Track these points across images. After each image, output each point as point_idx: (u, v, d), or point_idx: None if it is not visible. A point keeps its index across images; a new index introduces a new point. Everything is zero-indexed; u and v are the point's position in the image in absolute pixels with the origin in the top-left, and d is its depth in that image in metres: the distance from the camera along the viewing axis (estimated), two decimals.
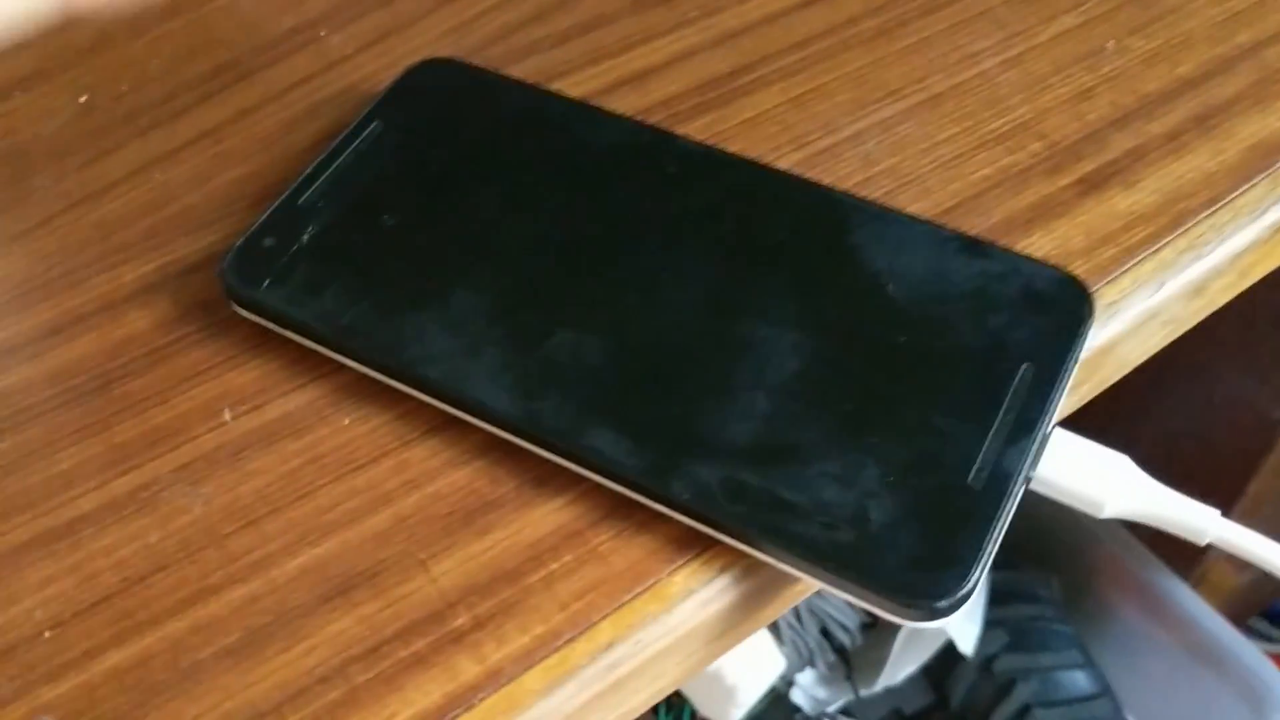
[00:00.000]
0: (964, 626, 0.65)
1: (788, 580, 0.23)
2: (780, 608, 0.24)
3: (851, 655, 0.67)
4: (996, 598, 0.68)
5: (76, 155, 0.31)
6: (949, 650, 0.66)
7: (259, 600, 0.23)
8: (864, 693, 0.66)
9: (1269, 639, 0.79)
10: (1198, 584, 0.68)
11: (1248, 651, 0.66)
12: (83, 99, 0.32)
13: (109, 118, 0.31)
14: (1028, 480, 0.23)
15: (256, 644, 0.22)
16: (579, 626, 0.22)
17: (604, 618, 0.22)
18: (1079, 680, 0.66)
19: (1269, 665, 0.65)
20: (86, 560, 0.24)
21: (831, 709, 0.66)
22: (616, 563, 0.23)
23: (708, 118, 0.30)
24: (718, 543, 0.23)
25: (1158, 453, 0.65)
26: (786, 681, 0.65)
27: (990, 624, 0.67)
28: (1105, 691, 0.66)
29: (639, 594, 0.22)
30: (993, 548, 0.21)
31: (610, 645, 0.22)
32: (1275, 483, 0.59)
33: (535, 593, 0.23)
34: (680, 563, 0.23)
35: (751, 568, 0.23)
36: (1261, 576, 0.69)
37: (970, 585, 0.21)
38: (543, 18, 0.32)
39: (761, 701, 0.64)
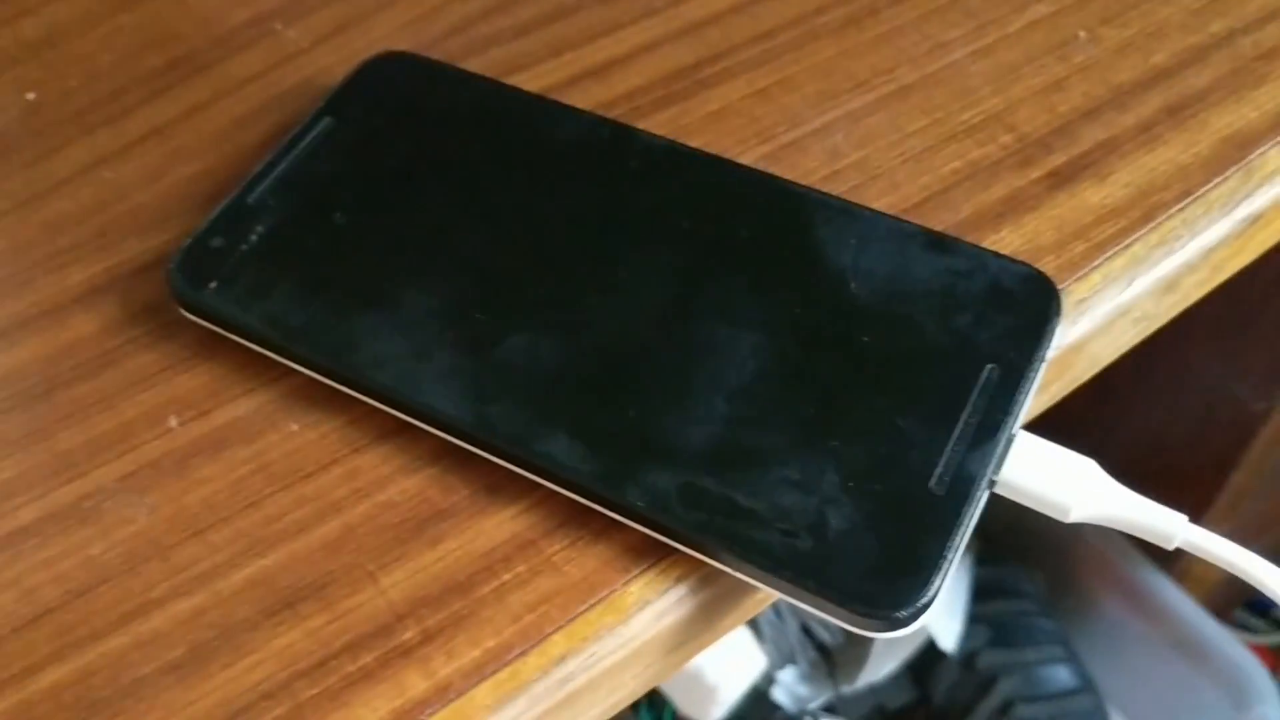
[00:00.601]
0: (945, 623, 0.65)
1: (746, 589, 0.22)
2: (739, 618, 0.23)
3: (833, 652, 0.67)
4: (979, 593, 0.67)
5: (22, 153, 0.30)
6: (931, 646, 0.66)
7: (204, 614, 0.22)
8: (846, 690, 0.66)
9: (1252, 630, 0.78)
10: (1181, 577, 0.67)
11: (1230, 644, 0.66)
12: (30, 95, 0.31)
13: (57, 115, 0.31)
14: (991, 484, 0.22)
15: (201, 659, 0.22)
16: (531, 640, 0.21)
17: (557, 630, 0.21)
18: (1061, 675, 0.65)
19: (1251, 657, 0.65)
20: (26, 573, 0.23)
21: (813, 706, 0.66)
22: (571, 573, 0.22)
23: (671, 110, 0.29)
24: (675, 551, 0.22)
25: (1138, 447, 0.65)
26: (768, 679, 0.65)
27: (972, 619, 0.66)
28: (1088, 686, 0.66)
29: (593, 605, 0.22)
30: (955, 555, 0.21)
31: (563, 659, 0.21)
32: (1256, 475, 0.59)
33: (487, 604, 0.22)
34: (636, 572, 0.22)
35: (709, 577, 0.22)
36: None
37: (930, 594, 0.20)
38: (504, 8, 0.32)
39: (743, 700, 0.64)
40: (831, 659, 0.67)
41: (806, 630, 0.66)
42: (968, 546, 0.68)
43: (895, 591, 0.20)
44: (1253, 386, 0.56)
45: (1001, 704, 0.65)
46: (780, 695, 0.66)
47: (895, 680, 0.67)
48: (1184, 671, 0.67)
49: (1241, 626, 0.78)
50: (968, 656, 0.66)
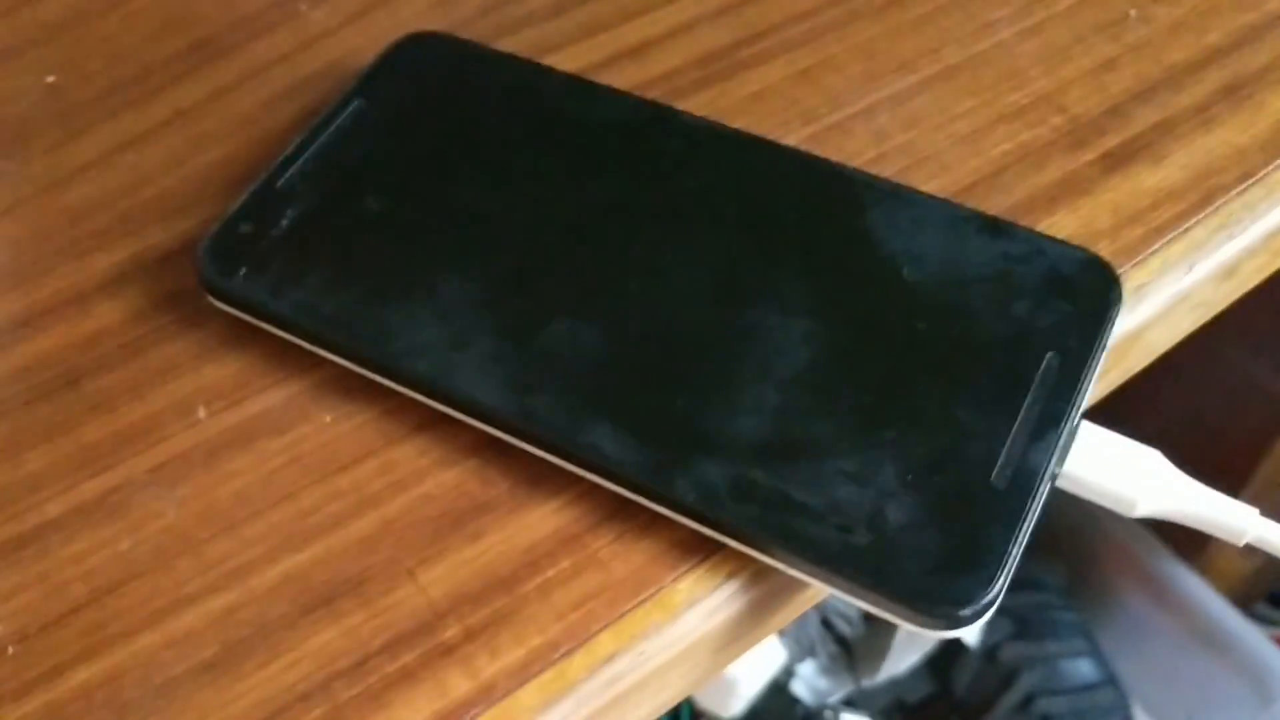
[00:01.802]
0: None
1: (798, 586, 0.22)
2: (790, 614, 0.23)
3: (853, 645, 0.66)
4: None
5: (44, 138, 0.29)
6: (952, 639, 0.65)
7: (237, 611, 0.22)
8: (866, 683, 0.65)
9: (1276, 623, 0.78)
10: (1204, 569, 0.66)
11: (1253, 637, 0.65)
12: (50, 78, 0.30)
13: (78, 98, 0.30)
14: (1054, 478, 0.21)
15: (234, 659, 0.21)
16: (577, 638, 0.21)
17: (604, 628, 0.21)
18: (1083, 668, 0.65)
19: (1275, 650, 0.64)
20: (54, 569, 0.22)
21: (833, 700, 0.65)
22: (617, 569, 0.21)
23: (710, 92, 0.28)
24: (724, 546, 0.21)
25: (1167, 435, 0.64)
26: (788, 672, 0.64)
27: (994, 612, 0.66)
28: (1110, 679, 0.65)
29: (641, 603, 0.21)
30: (1018, 551, 0.20)
31: (611, 658, 0.21)
32: None
33: (531, 602, 0.21)
34: (685, 569, 0.21)
35: (760, 573, 0.21)
36: (1268, 561, 0.68)
37: (995, 592, 0.20)
38: None
39: (762, 693, 0.63)
40: (851, 652, 0.66)
41: (826, 623, 0.65)
42: None
43: (958, 589, 0.20)
44: None
45: (1023, 697, 0.65)
46: (800, 688, 0.65)
47: (916, 673, 0.66)
48: (1207, 665, 0.66)
49: (1265, 619, 0.77)
50: (989, 649, 0.65)
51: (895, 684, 0.66)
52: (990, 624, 0.65)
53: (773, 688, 0.64)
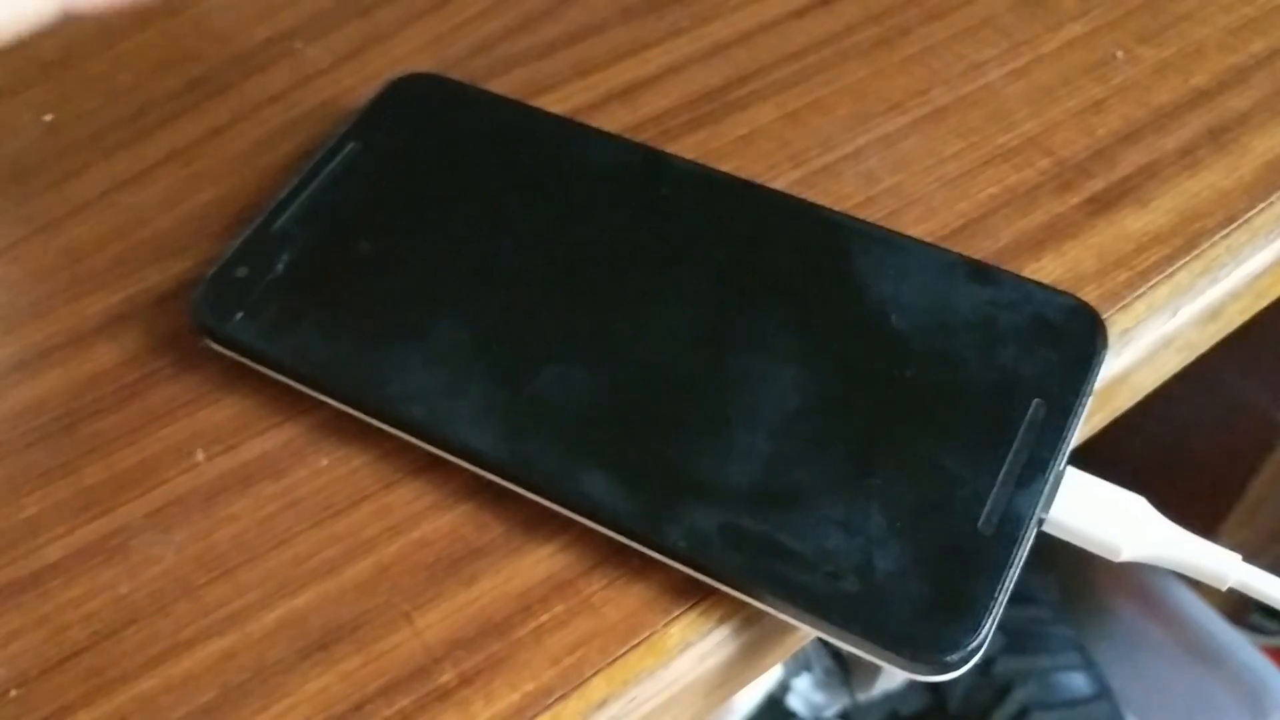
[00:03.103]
0: None
1: (788, 629, 0.22)
2: (780, 655, 0.23)
3: (849, 660, 0.66)
4: None
5: (41, 177, 0.29)
6: None
7: (235, 656, 0.22)
8: (861, 697, 0.65)
9: (1268, 634, 0.78)
10: (1197, 582, 0.67)
11: (1246, 649, 0.65)
12: (48, 117, 0.30)
13: (75, 137, 0.30)
14: (1040, 523, 0.22)
15: (233, 703, 0.21)
16: (571, 683, 0.21)
17: (597, 673, 0.21)
18: (1077, 682, 0.65)
19: (1268, 664, 0.65)
20: (54, 613, 0.23)
21: (828, 714, 0.65)
22: (610, 614, 0.22)
23: (700, 134, 0.28)
24: (716, 591, 0.22)
25: (1158, 454, 0.64)
26: (783, 687, 0.65)
27: None
28: (1104, 693, 0.66)
29: (634, 647, 0.21)
30: (1004, 597, 0.20)
31: (604, 703, 0.21)
32: (1276, 483, 0.58)
33: (525, 646, 0.21)
34: (677, 613, 0.22)
35: (751, 617, 0.22)
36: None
37: (981, 638, 0.20)
38: (528, 28, 0.31)
39: (758, 708, 0.63)
40: (847, 666, 0.66)
41: (822, 638, 0.65)
42: None
43: (945, 635, 0.20)
44: (1272, 394, 0.56)
45: (1018, 711, 0.65)
46: (795, 703, 0.65)
47: (911, 686, 0.67)
48: (1200, 677, 0.67)
49: (1257, 630, 0.78)
50: (983, 663, 0.66)
51: (890, 698, 0.67)
52: None
53: (768, 702, 0.65)
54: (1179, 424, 0.61)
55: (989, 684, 0.66)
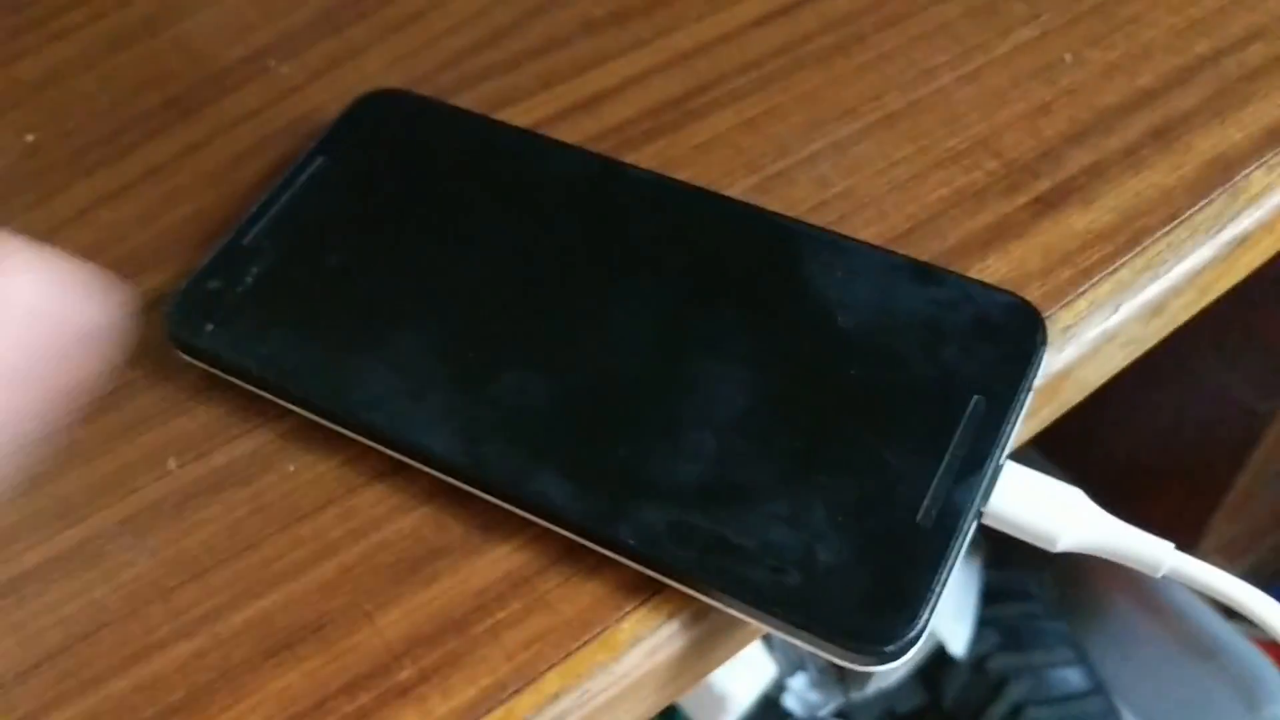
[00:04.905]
0: (954, 628, 0.65)
1: (737, 624, 0.23)
2: (732, 650, 0.24)
3: None
4: (988, 596, 0.67)
5: (23, 196, 0.30)
6: (942, 650, 0.66)
7: (204, 656, 0.23)
8: (856, 696, 0.66)
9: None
10: None
11: (1240, 643, 0.65)
12: (29, 137, 0.31)
13: (56, 156, 0.31)
14: (979, 516, 0.22)
15: (200, 702, 0.22)
16: (525, 677, 0.22)
17: (550, 668, 0.22)
18: (1071, 678, 0.66)
19: (1262, 657, 0.65)
20: (30, 618, 0.23)
21: (824, 713, 0.66)
22: (564, 610, 0.22)
23: (660, 143, 0.29)
24: (666, 587, 0.22)
25: (1145, 449, 0.65)
26: (778, 686, 0.65)
27: (982, 623, 0.66)
28: (1098, 688, 0.66)
29: (586, 642, 0.22)
30: (942, 589, 0.21)
31: (556, 696, 0.22)
32: (1262, 476, 0.59)
33: (482, 643, 0.22)
34: (629, 609, 0.22)
35: (700, 612, 0.22)
36: (1253, 566, 0.68)
37: (919, 628, 0.20)
38: (495, 42, 0.32)
39: (753, 707, 0.64)
40: (841, 665, 0.67)
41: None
42: (976, 549, 0.68)
43: (883, 626, 0.21)
44: (1257, 388, 0.56)
45: (1012, 707, 0.65)
46: (791, 702, 0.66)
47: (905, 685, 0.67)
48: (1195, 671, 0.67)
49: (1251, 624, 0.78)
50: (978, 660, 0.66)
51: (885, 696, 0.67)
52: (978, 634, 0.66)
53: (764, 702, 0.65)
54: (1165, 420, 0.62)
55: (983, 681, 0.66)
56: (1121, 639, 0.69)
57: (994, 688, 0.66)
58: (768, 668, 0.65)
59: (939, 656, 0.66)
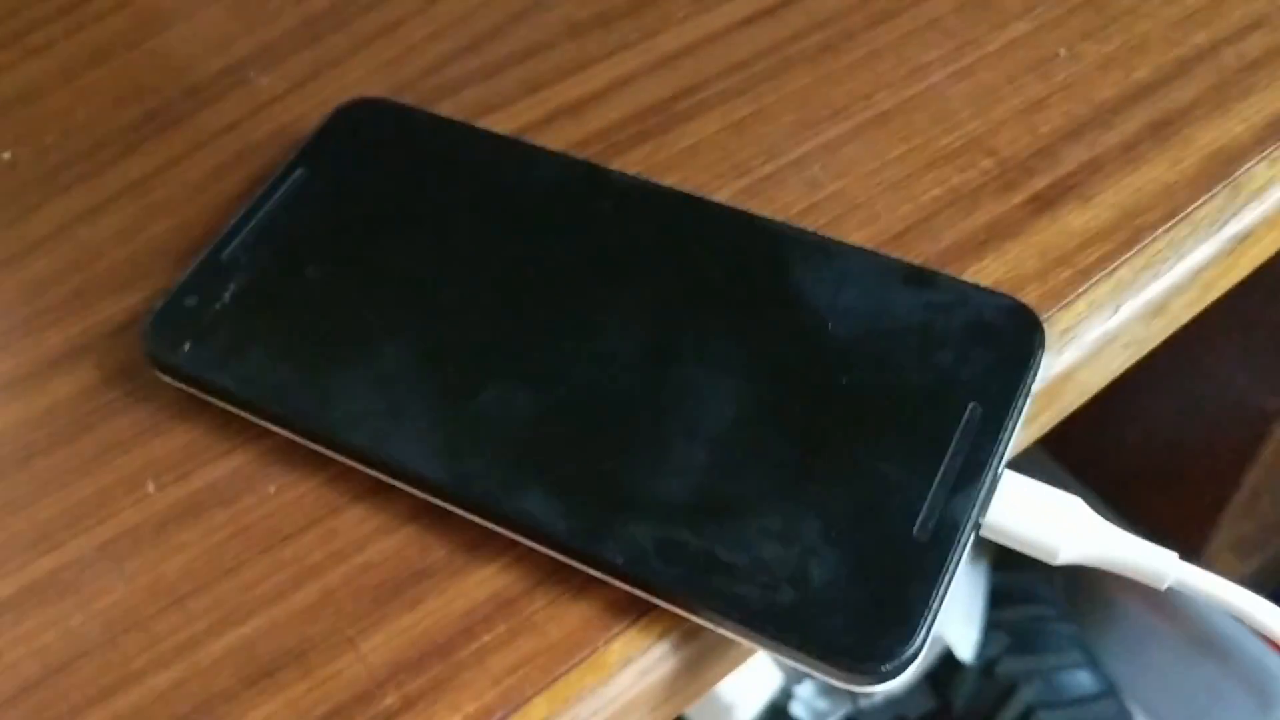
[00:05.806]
0: (963, 632, 0.64)
1: (729, 644, 0.22)
2: (725, 670, 0.23)
3: None
4: (996, 600, 0.66)
5: (1, 214, 0.30)
6: (951, 654, 0.65)
7: (183, 685, 0.22)
8: (864, 702, 0.65)
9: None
10: None
11: (1252, 642, 0.65)
12: (6, 155, 0.31)
13: (34, 173, 0.30)
14: (977, 528, 0.22)
15: None
16: (512, 703, 0.21)
17: (538, 692, 0.21)
18: (1082, 680, 0.65)
19: (1275, 657, 0.64)
20: (7, 648, 0.23)
21: (832, 719, 0.65)
22: (552, 632, 0.22)
23: (647, 147, 0.28)
24: (655, 607, 0.22)
25: (1153, 446, 0.64)
26: (786, 694, 0.64)
27: (990, 627, 0.66)
28: (1109, 690, 0.65)
29: (575, 665, 0.21)
30: (939, 605, 0.20)
31: None
32: (1273, 472, 0.58)
33: (467, 667, 0.22)
34: (617, 630, 0.22)
35: (691, 632, 0.22)
36: (1265, 563, 0.67)
37: (916, 647, 0.20)
38: (477, 48, 0.31)
39: (760, 716, 0.63)
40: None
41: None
42: (982, 552, 0.67)
43: (880, 645, 0.20)
44: (1267, 383, 0.55)
45: (1023, 711, 0.65)
46: (798, 710, 0.65)
47: (914, 690, 0.66)
48: (1207, 671, 0.66)
49: None
50: (987, 664, 0.65)
51: (894, 701, 0.66)
52: (987, 638, 0.65)
53: (771, 710, 0.64)
54: (1174, 416, 0.61)
55: (993, 685, 0.65)
56: (1132, 640, 0.68)
57: (1004, 691, 0.65)
58: (774, 675, 0.64)
59: (949, 660, 0.65)
